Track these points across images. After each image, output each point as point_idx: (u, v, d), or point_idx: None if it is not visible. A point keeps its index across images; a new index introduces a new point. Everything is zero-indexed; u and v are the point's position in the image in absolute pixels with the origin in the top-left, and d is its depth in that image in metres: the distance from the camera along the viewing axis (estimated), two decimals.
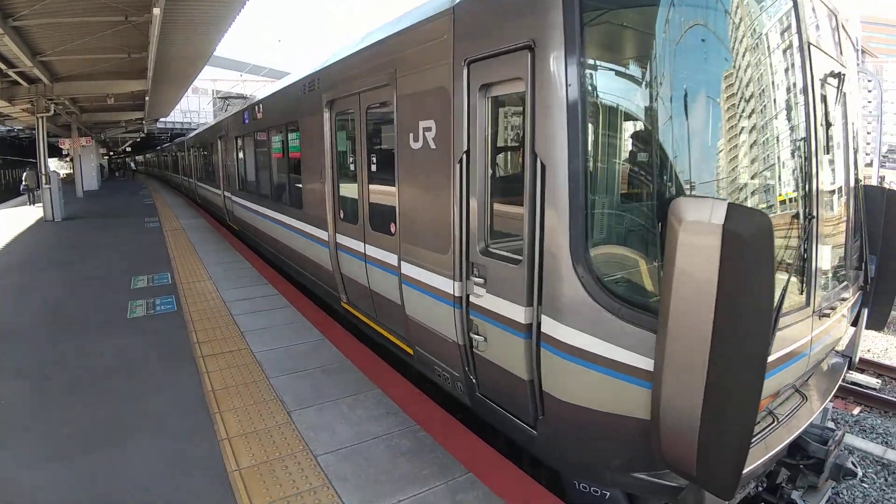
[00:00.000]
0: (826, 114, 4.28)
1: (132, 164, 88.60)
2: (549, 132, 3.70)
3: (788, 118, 4.11)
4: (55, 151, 36.46)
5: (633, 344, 3.49)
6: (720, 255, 2.93)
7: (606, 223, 3.92)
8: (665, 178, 3.76)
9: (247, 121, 12.77)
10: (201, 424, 5.00)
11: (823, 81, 4.29)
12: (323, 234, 7.97)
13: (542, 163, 3.75)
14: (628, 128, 3.92)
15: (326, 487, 4.10)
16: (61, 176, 26.53)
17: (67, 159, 50.04)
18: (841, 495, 6.82)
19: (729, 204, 2.98)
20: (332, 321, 7.94)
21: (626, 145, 3.93)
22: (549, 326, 3.82)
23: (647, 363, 3.41)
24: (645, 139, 3.83)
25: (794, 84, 4.07)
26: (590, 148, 3.71)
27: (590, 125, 3.68)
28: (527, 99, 3.88)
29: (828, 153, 4.37)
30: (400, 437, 4.77)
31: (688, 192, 3.64)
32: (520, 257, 4.08)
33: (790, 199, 4.11)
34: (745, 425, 3.06)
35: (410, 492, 4.07)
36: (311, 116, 8.18)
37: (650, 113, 3.71)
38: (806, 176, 4.10)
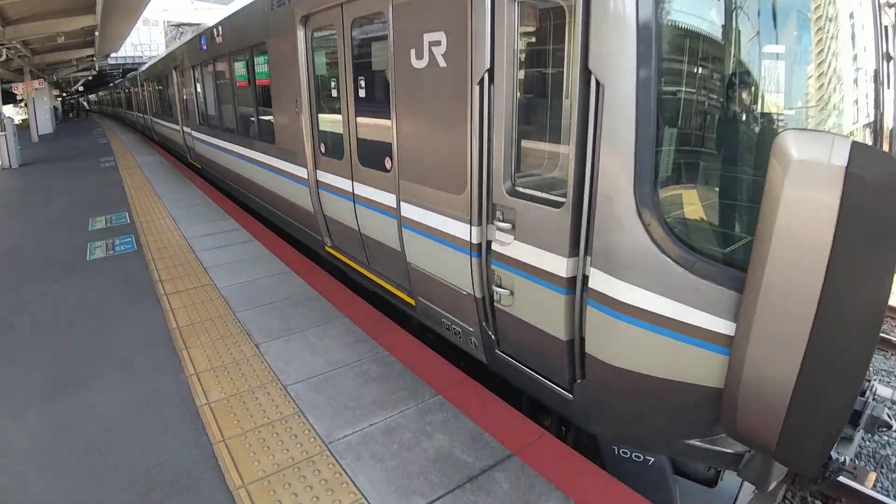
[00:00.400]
0: (888, 46, 3.70)
1: (85, 104, 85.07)
2: (612, 45, 2.94)
3: (861, 49, 3.50)
4: (9, 98, 34.73)
5: (708, 304, 2.89)
6: (839, 205, 2.33)
7: (681, 160, 3.26)
8: (756, 106, 3.16)
9: (205, 47, 11.52)
10: (168, 361, 4.85)
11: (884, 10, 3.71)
12: (301, 172, 7.03)
13: (598, 83, 3.00)
14: (711, 42, 3.23)
15: (297, 416, 4.03)
16: (16, 122, 25.36)
17: (22, 104, 47.88)
18: None
19: (852, 142, 2.33)
20: (298, 253, 7.71)
21: (708, 63, 3.24)
22: (601, 281, 3.19)
23: (725, 326, 2.86)
24: (731, 57, 3.18)
25: (864, 11, 3.47)
26: (664, 65, 2.97)
27: (665, 36, 2.96)
28: (577, 3, 3.08)
29: (889, 88, 3.77)
30: (370, 364, 4.68)
31: (778, 126, 3.00)
32: (562, 199, 3.38)
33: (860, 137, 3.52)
34: (845, 401, 2.66)
35: (381, 415, 4.01)
36: (281, 37, 7.05)
37: (737, 25, 3.07)
38: (878, 114, 3.58)
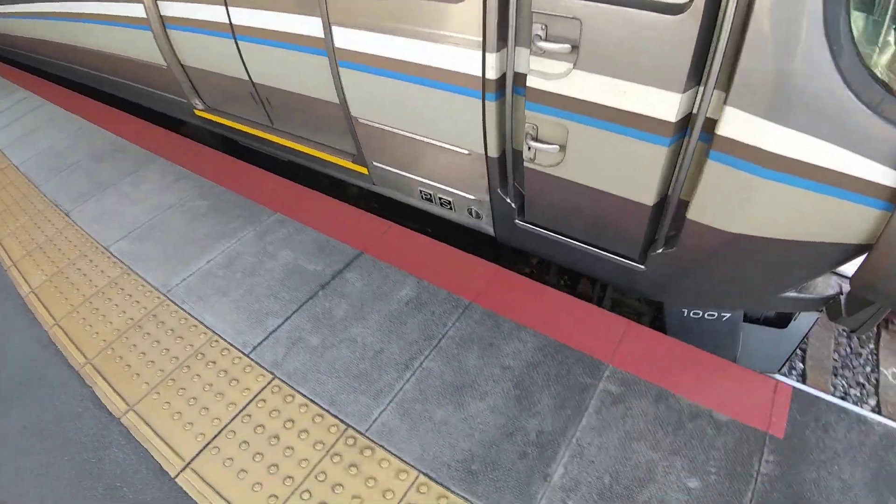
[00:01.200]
0: None
1: None
2: None
3: None
4: None
5: (883, 152, 2.09)
6: None
7: None
8: None
9: None
10: None
11: None
12: (132, 10, 4.48)
13: None
14: None
15: (128, 274, 3.60)
16: None
17: None
18: None
19: None
20: (98, 103, 6.56)
21: None
22: (742, 127, 2.17)
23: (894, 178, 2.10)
24: None
25: None
26: None
27: None
28: None
29: None
30: (196, 200, 4.18)
31: None
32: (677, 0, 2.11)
33: None
34: None
35: (219, 248, 3.66)
36: None
37: None
38: None
